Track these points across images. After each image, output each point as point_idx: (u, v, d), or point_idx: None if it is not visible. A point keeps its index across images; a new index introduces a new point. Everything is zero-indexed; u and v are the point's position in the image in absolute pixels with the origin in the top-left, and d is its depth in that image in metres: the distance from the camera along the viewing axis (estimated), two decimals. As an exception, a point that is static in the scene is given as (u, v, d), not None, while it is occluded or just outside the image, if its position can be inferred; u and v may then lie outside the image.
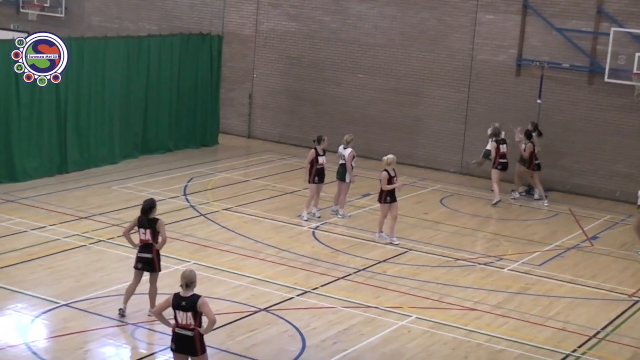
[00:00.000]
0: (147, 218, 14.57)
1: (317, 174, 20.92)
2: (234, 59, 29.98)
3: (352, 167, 21.16)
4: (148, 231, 14.55)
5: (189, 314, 11.26)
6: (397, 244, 19.51)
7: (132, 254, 17.58)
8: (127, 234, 14.88)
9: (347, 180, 21.17)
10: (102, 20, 32.11)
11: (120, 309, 14.69)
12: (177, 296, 11.39)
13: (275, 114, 29.77)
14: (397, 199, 19.80)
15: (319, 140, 21.13)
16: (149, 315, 14.51)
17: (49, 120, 23.24)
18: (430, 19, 27.10)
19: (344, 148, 21.23)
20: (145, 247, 14.63)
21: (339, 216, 21.32)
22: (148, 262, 14.63)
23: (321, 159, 20.94)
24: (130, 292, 14.77)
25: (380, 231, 19.81)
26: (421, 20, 27.24)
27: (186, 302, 11.29)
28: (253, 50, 29.77)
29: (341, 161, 21.22)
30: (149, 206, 14.63)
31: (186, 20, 30.46)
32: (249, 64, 29.92)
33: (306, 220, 20.73)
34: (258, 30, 29.66)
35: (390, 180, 19.43)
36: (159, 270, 14.79)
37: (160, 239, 14.59)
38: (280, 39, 29.36)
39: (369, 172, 24.60)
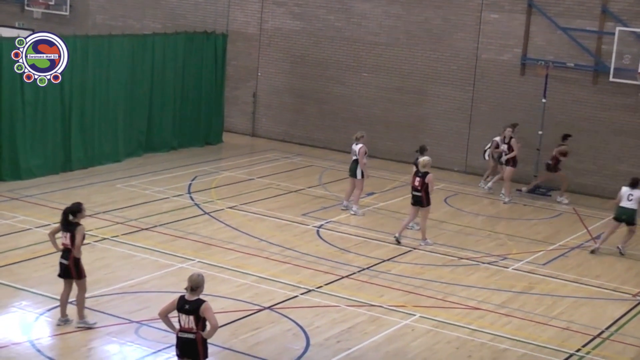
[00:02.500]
0: (68, 221, 13.95)
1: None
2: (239, 57, 29.99)
3: (364, 163, 21.26)
4: (68, 235, 13.98)
5: (191, 317, 11.20)
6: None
7: (136, 252, 17.69)
8: (51, 236, 14.36)
9: (359, 176, 21.21)
10: (106, 18, 32.14)
11: (59, 319, 14.20)
12: (182, 299, 11.33)
13: (279, 113, 29.78)
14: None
15: (423, 150, 20.58)
16: (77, 327, 14.01)
17: (53, 118, 23.26)
18: (435, 17, 27.09)
19: (356, 144, 21.29)
20: (65, 252, 14.08)
21: (352, 212, 21.43)
22: (64, 268, 14.08)
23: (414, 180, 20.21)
24: (63, 300, 14.22)
25: (425, 237, 19.67)
26: (426, 19, 27.24)
27: (190, 306, 11.22)
28: (257, 49, 29.78)
29: (353, 157, 21.28)
30: (71, 210, 14.00)
31: (191, 18, 30.47)
32: (253, 62, 29.93)
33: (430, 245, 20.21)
34: (262, 29, 29.66)
35: None
36: (75, 277, 14.03)
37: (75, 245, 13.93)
38: (284, 38, 29.36)
39: (373, 171, 24.53)
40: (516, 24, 26.04)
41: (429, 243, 19.59)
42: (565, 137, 24.12)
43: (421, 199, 19.54)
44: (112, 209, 20.54)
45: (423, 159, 19.64)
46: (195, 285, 11.29)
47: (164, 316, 11.55)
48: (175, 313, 11.45)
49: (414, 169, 20.06)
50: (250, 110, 30.18)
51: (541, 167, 25.07)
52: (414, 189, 19.58)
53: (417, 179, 19.50)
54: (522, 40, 25.96)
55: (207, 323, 11.30)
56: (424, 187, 19.41)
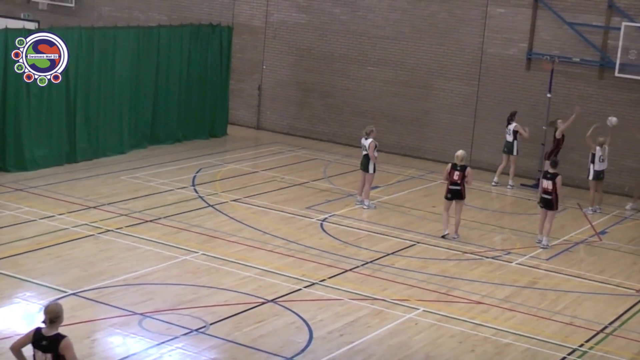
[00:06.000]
0: None
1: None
2: (244, 50, 29.98)
3: (376, 157, 21.31)
4: None
5: (49, 355, 9.54)
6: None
7: (140, 244, 17.71)
8: None
9: (371, 170, 21.24)
10: (112, 10, 32.13)
11: None
12: (38, 332, 9.65)
13: (284, 106, 29.77)
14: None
15: (554, 163, 20.05)
16: None
17: (58, 110, 23.27)
18: (441, 11, 27.06)
19: (365, 139, 21.32)
20: None
21: (365, 207, 21.43)
22: None
23: (545, 183, 19.92)
24: None
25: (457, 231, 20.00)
26: (431, 13, 27.21)
27: (47, 342, 9.54)
28: (263, 42, 29.77)
29: (364, 152, 21.35)
30: None
31: (196, 10, 30.46)
32: (258, 55, 29.92)
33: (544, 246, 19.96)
34: (268, 22, 29.65)
35: None
36: None
37: None
38: (290, 31, 29.34)
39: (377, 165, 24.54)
40: (522, 19, 26.01)
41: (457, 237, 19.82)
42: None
43: (461, 192, 19.70)
44: (116, 200, 20.56)
45: (460, 152, 19.84)
46: (54, 316, 9.61)
47: (17, 350, 9.83)
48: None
49: (449, 165, 20.03)
50: (255, 103, 30.18)
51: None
52: (453, 183, 19.64)
53: (457, 172, 19.57)
54: (528, 34, 25.92)
55: None
56: (464, 180, 19.62)
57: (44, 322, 9.63)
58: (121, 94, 25.08)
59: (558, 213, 20.26)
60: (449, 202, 19.90)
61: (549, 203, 19.64)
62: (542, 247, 19.63)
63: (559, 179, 19.63)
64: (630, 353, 14.60)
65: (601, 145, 22.72)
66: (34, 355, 9.70)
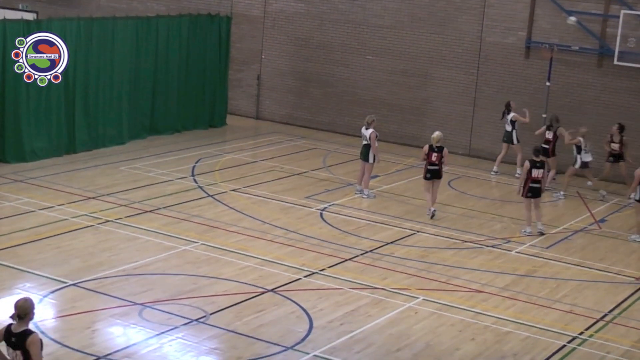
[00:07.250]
0: None
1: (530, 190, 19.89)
2: (243, 40, 29.93)
3: (376, 147, 21.45)
4: None
5: (18, 352, 9.38)
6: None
7: (140, 234, 17.72)
8: None
9: (371, 160, 21.27)
10: (110, 0, 32.05)
11: None
12: (8, 329, 9.49)
13: (283, 95, 29.75)
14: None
15: (538, 151, 20.05)
16: None
17: (57, 101, 23.25)
18: (440, 0, 27.01)
19: (366, 129, 21.35)
20: None
21: (364, 196, 21.49)
22: None
23: (535, 172, 19.71)
24: None
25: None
26: (430, 1, 27.16)
27: (16, 339, 9.38)
28: (261, 32, 29.72)
29: (364, 142, 21.38)
30: None
31: (195, 0, 30.39)
32: (257, 45, 29.88)
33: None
34: (267, 11, 29.60)
35: None
36: None
37: None
38: (288, 20, 29.29)
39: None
40: (521, 7, 25.96)
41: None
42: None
43: (439, 172, 20.42)
44: (115, 191, 20.56)
45: (437, 133, 20.53)
46: (23, 312, 9.43)
47: None
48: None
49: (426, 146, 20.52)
50: (254, 92, 30.16)
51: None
52: (432, 163, 20.27)
53: (434, 154, 20.23)
54: (527, 23, 25.88)
55: None
56: (441, 160, 20.36)
57: (11, 317, 9.49)
58: (120, 84, 25.05)
59: (558, 201, 20.27)
60: (428, 182, 20.46)
61: (539, 191, 19.74)
62: (538, 232, 19.66)
63: (546, 167, 20.10)
64: (630, 340, 14.62)
65: (583, 136, 22.84)
66: (7, 353, 9.58)
